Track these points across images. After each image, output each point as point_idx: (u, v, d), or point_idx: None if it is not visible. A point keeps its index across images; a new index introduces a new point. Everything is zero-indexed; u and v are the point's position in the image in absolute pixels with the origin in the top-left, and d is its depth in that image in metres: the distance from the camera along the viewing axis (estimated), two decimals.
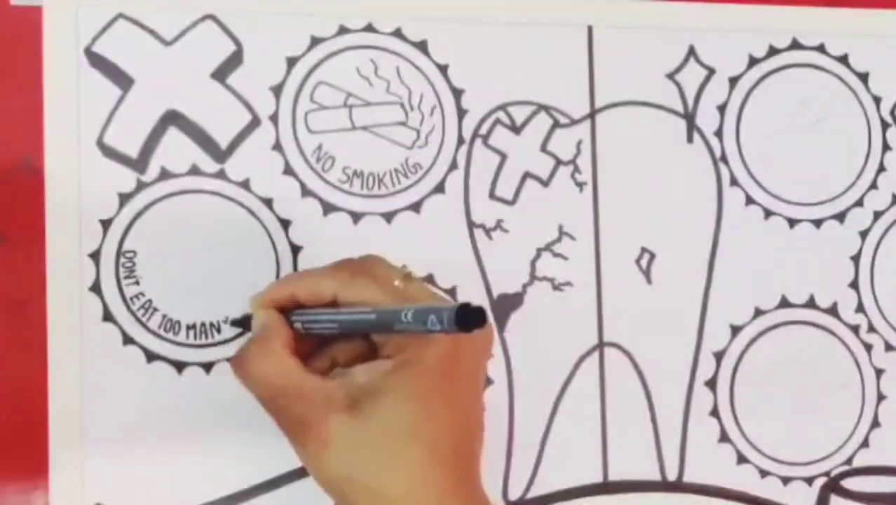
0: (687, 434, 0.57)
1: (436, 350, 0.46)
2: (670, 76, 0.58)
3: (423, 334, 0.46)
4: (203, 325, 0.52)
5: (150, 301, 0.52)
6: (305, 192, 0.54)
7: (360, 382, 0.46)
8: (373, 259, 0.50)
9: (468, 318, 0.41)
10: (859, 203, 0.60)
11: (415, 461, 0.46)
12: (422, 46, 0.56)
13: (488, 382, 0.56)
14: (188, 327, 0.52)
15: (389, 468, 0.46)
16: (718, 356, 0.58)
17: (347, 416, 0.46)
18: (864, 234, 0.60)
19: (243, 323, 0.51)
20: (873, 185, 0.61)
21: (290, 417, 0.48)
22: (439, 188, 0.56)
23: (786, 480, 0.58)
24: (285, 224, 0.53)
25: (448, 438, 0.47)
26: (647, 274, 0.57)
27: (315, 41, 0.55)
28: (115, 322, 0.51)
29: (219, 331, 0.52)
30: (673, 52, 0.58)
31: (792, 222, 0.59)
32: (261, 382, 0.48)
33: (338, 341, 0.50)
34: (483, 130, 0.56)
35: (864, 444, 0.59)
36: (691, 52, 0.59)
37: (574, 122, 0.57)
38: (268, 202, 0.53)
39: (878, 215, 0.60)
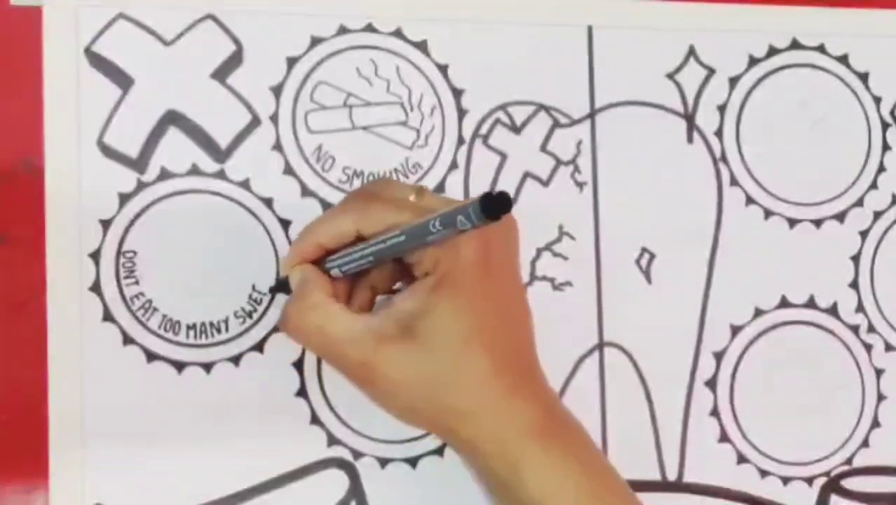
0: (687, 434, 0.57)
1: (468, 256, 0.47)
2: (670, 76, 0.58)
3: (453, 244, 0.46)
4: (203, 325, 0.52)
5: (150, 301, 0.52)
6: (305, 192, 0.54)
7: (407, 308, 0.47)
8: (380, 183, 0.51)
9: (494, 205, 0.41)
10: (859, 203, 0.60)
11: (477, 372, 0.47)
12: (422, 46, 0.56)
13: None
14: (188, 327, 0.52)
15: (455, 384, 0.47)
16: (718, 356, 0.58)
17: (403, 345, 0.47)
18: (864, 235, 0.60)
19: (281, 287, 0.52)
20: (873, 185, 0.61)
21: (349, 363, 0.48)
22: (439, 188, 0.56)
23: (786, 480, 0.58)
24: (285, 224, 0.54)
25: (503, 338, 0.48)
26: (647, 274, 0.57)
27: (315, 41, 0.55)
28: (115, 322, 0.51)
29: (219, 331, 0.52)
30: (673, 52, 0.58)
31: (792, 222, 0.59)
32: (311, 336, 0.49)
33: (373, 273, 0.50)
34: (483, 130, 0.56)
35: (864, 444, 0.59)
36: (691, 52, 0.59)
37: (574, 122, 0.57)
38: (268, 202, 0.53)
39: (878, 215, 0.60)
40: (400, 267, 0.50)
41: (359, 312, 0.49)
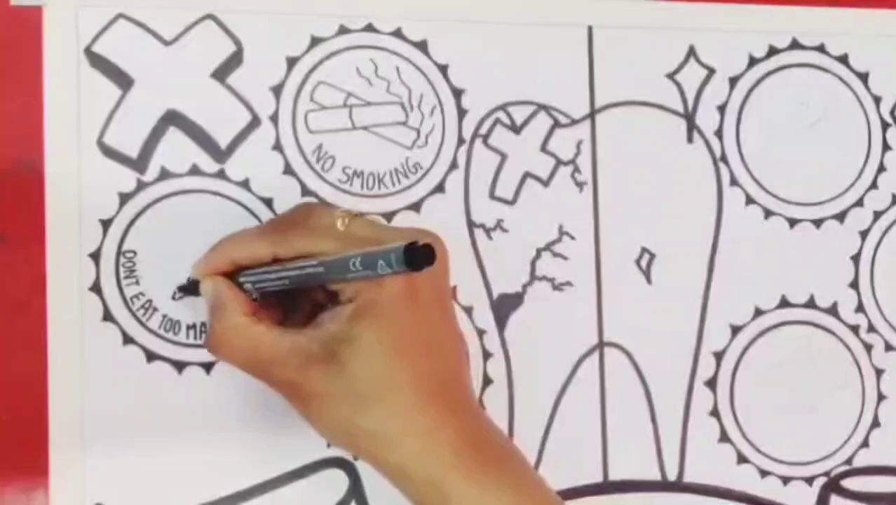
0: (687, 434, 0.57)
1: (392, 286, 0.46)
2: (670, 76, 0.58)
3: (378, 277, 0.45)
4: (203, 325, 0.52)
5: (150, 301, 0.52)
6: (305, 192, 0.54)
7: (332, 331, 0.47)
8: (305, 207, 0.50)
9: (416, 257, 0.41)
10: (859, 203, 0.60)
11: (403, 399, 0.47)
12: (422, 46, 0.56)
13: (488, 381, 0.56)
14: (188, 327, 0.52)
15: (377, 410, 0.46)
16: (718, 356, 0.58)
17: (327, 367, 0.46)
18: (864, 235, 0.60)
19: (190, 289, 0.51)
20: (873, 185, 0.61)
21: (276, 381, 0.48)
22: (439, 188, 0.56)
23: (786, 480, 0.58)
24: None
25: (426, 370, 0.47)
26: (647, 274, 0.57)
27: (315, 41, 0.55)
28: (115, 322, 0.51)
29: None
30: (673, 52, 0.58)
31: (792, 222, 0.59)
32: (238, 357, 0.48)
33: (294, 293, 0.49)
34: (483, 130, 0.56)
35: (864, 444, 0.59)
36: (691, 52, 0.59)
37: (574, 122, 0.57)
38: (268, 202, 0.53)
39: (878, 215, 0.60)
40: (324, 290, 0.49)
41: (286, 331, 0.48)
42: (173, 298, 0.52)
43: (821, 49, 0.60)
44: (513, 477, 0.48)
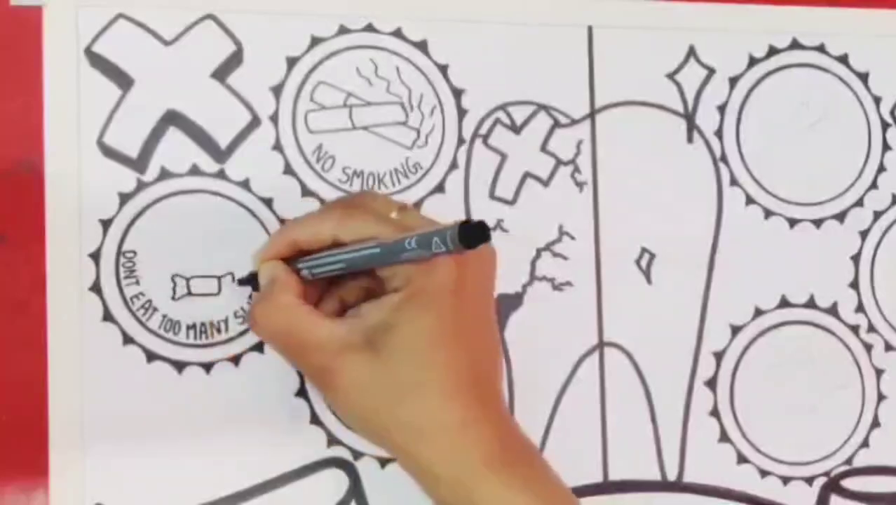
0: (687, 434, 0.57)
1: (442, 277, 0.47)
2: (670, 76, 0.58)
3: (429, 264, 0.46)
4: (203, 325, 0.52)
5: (150, 301, 0.52)
6: (305, 192, 0.54)
7: (373, 321, 0.47)
8: (367, 194, 0.51)
9: (471, 234, 0.41)
10: (859, 203, 0.60)
11: (435, 391, 0.47)
12: (422, 46, 0.56)
13: None
14: (188, 327, 0.52)
15: (412, 400, 0.47)
16: (718, 356, 0.58)
17: (365, 356, 0.47)
18: (864, 235, 0.60)
19: (250, 281, 0.51)
20: (873, 185, 0.61)
21: (310, 365, 0.48)
22: (439, 188, 0.56)
23: (786, 480, 0.58)
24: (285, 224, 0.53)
25: (464, 364, 0.47)
26: (647, 274, 0.57)
27: (315, 41, 0.55)
28: (115, 322, 0.51)
29: (219, 331, 0.52)
30: (673, 52, 0.58)
31: (792, 222, 0.59)
32: (276, 336, 0.49)
33: (345, 282, 0.50)
34: (483, 130, 0.56)
35: (864, 444, 0.59)
36: (691, 52, 0.59)
37: (574, 122, 0.57)
38: (268, 202, 0.53)
39: (878, 215, 0.60)
40: (374, 283, 0.50)
41: (327, 318, 0.48)
42: (237, 284, 0.52)
43: (821, 49, 0.60)
44: (540, 481, 0.48)
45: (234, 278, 0.53)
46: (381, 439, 0.49)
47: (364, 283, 0.50)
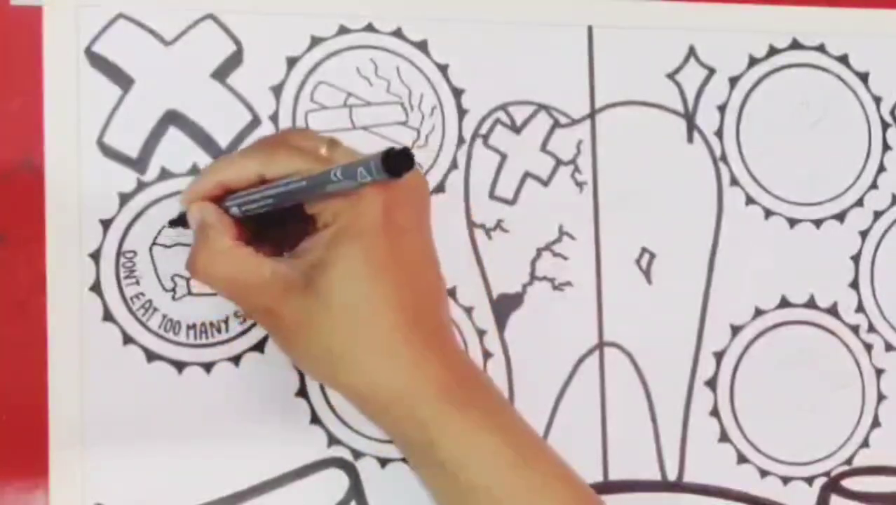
0: (687, 434, 0.57)
1: (369, 209, 0.46)
2: (670, 76, 0.58)
3: (355, 197, 0.46)
4: (203, 325, 0.52)
5: (150, 301, 0.52)
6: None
7: (310, 258, 0.46)
8: (293, 131, 0.50)
9: (396, 162, 0.41)
10: (859, 203, 0.60)
11: (379, 326, 0.46)
12: (422, 46, 0.56)
13: None
14: (188, 327, 0.52)
15: (358, 337, 0.46)
16: (718, 356, 0.58)
17: (306, 295, 0.46)
18: (864, 234, 0.60)
19: (180, 221, 0.51)
20: (873, 185, 0.61)
21: (256, 308, 0.48)
22: (439, 188, 0.56)
23: (786, 480, 0.58)
24: None
25: (405, 298, 0.46)
26: (647, 274, 0.57)
27: (315, 41, 0.55)
28: (115, 322, 0.51)
29: (219, 331, 0.52)
30: (673, 52, 0.58)
31: (792, 222, 0.59)
32: (219, 281, 0.48)
33: (278, 224, 0.50)
34: (483, 130, 0.56)
35: (864, 444, 0.59)
36: (691, 52, 0.59)
37: (574, 122, 0.57)
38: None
39: (878, 215, 0.60)
40: (306, 219, 0.49)
41: (267, 258, 0.48)
42: (168, 226, 0.52)
43: (821, 49, 0.60)
44: (497, 416, 0.48)
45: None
46: (334, 381, 0.48)
47: (296, 225, 0.49)
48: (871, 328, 0.60)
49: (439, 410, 0.46)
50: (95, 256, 0.51)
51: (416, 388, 0.46)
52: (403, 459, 0.54)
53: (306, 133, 0.50)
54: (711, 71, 0.59)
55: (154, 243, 0.52)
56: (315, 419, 0.53)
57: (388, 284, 0.46)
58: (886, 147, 0.61)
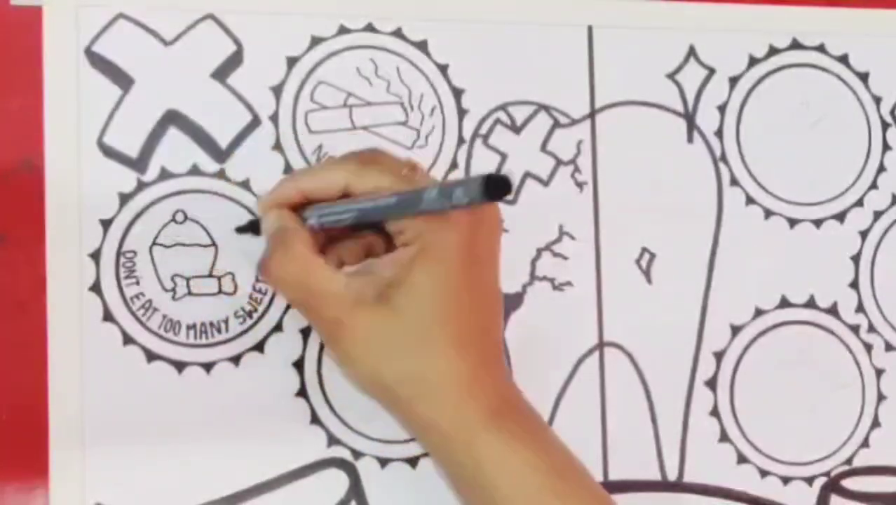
0: (687, 434, 0.57)
1: (455, 234, 0.47)
2: (670, 76, 0.58)
3: (441, 221, 0.47)
4: (203, 325, 0.52)
5: (150, 301, 0.52)
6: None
7: (386, 276, 0.47)
8: (378, 150, 0.51)
9: (495, 186, 0.42)
10: (859, 203, 0.60)
11: (445, 345, 0.47)
12: (422, 46, 0.56)
13: None
14: (188, 327, 0.52)
15: (422, 355, 0.47)
16: (718, 356, 0.58)
17: (378, 310, 0.47)
18: (864, 234, 0.60)
19: (251, 228, 0.51)
20: (873, 185, 0.61)
21: (322, 317, 0.48)
22: None
23: (786, 480, 0.58)
24: None
25: (472, 320, 0.48)
26: (647, 274, 0.57)
27: (315, 41, 0.55)
28: (115, 322, 0.51)
29: (219, 331, 0.52)
30: (673, 52, 0.58)
31: (792, 222, 0.59)
32: (290, 286, 0.49)
33: (343, 240, 0.51)
34: (483, 130, 0.56)
35: (864, 444, 0.59)
36: (691, 52, 0.59)
37: (574, 122, 0.57)
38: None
39: (878, 215, 0.60)
40: (377, 236, 0.50)
41: (340, 271, 0.49)
42: (236, 232, 0.52)
43: (821, 49, 0.60)
44: (539, 438, 0.49)
45: (234, 278, 0.52)
46: (386, 395, 0.49)
47: (365, 240, 0.51)
48: (871, 328, 0.60)
49: (485, 428, 0.47)
50: (95, 256, 0.51)
51: (465, 405, 0.47)
52: (404, 460, 0.54)
53: (387, 153, 0.51)
54: (711, 71, 0.59)
55: (154, 243, 0.52)
56: (315, 419, 0.53)
57: (459, 306, 0.48)
58: (886, 147, 0.61)
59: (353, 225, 0.49)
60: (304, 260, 0.48)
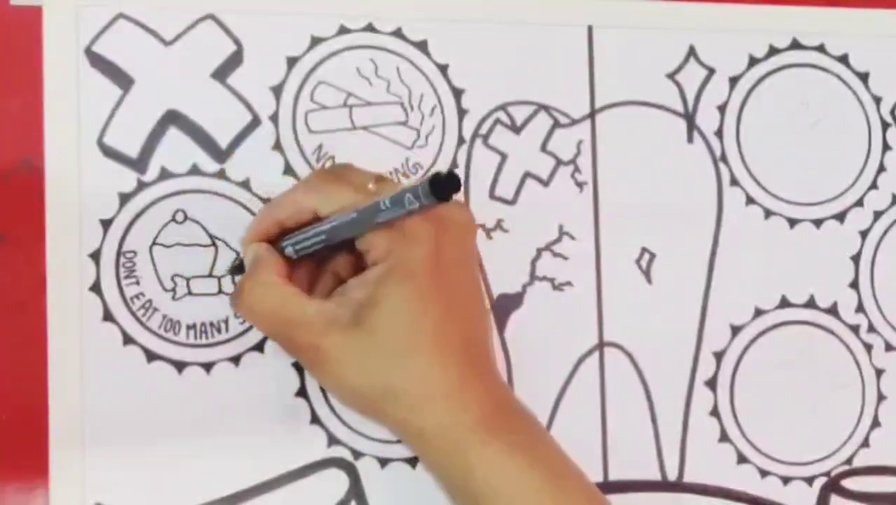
0: (687, 434, 0.57)
1: (420, 246, 0.47)
2: (670, 76, 0.58)
3: (406, 235, 0.47)
4: (203, 325, 0.52)
5: (150, 301, 0.52)
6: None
7: (357, 296, 0.47)
8: (343, 166, 0.51)
9: (443, 186, 0.42)
10: (859, 203, 0.60)
11: (426, 359, 0.47)
12: (422, 46, 0.56)
13: None
14: (188, 327, 0.52)
15: (403, 368, 0.47)
16: (718, 356, 0.58)
17: (352, 331, 0.47)
18: (864, 234, 0.60)
19: (242, 269, 0.52)
20: (873, 185, 0.61)
21: (297, 344, 0.49)
22: None
23: (786, 480, 0.58)
24: None
25: (452, 329, 0.48)
26: (647, 274, 0.57)
27: (315, 41, 0.55)
28: (115, 322, 0.51)
29: (219, 331, 0.52)
30: (673, 52, 0.58)
31: (792, 222, 0.59)
32: (262, 315, 0.49)
33: (336, 259, 0.51)
34: (483, 130, 0.56)
35: (864, 444, 0.59)
36: (691, 52, 0.59)
37: (574, 122, 0.57)
38: (268, 202, 0.53)
39: (878, 215, 0.60)
40: (356, 256, 0.50)
41: (312, 297, 0.49)
42: (229, 273, 0.52)
43: (821, 49, 0.60)
44: (535, 443, 0.49)
45: (233, 278, 0.53)
46: (374, 413, 0.49)
47: (349, 259, 0.51)
48: (871, 328, 0.60)
49: (476, 438, 0.47)
50: (95, 256, 0.51)
51: (454, 416, 0.47)
52: (403, 460, 0.54)
53: (353, 168, 0.51)
54: (711, 71, 0.59)
55: (154, 243, 0.52)
56: (315, 419, 0.53)
57: (435, 317, 0.47)
58: (886, 147, 0.61)
59: (328, 248, 0.49)
60: (273, 287, 0.48)
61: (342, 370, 0.48)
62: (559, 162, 0.57)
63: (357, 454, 0.53)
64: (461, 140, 0.56)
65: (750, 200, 0.59)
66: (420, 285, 0.47)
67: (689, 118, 0.59)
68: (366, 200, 0.47)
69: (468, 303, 0.50)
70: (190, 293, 0.52)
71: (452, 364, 0.48)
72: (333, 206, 0.48)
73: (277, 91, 0.54)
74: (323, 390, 0.53)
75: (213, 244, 0.53)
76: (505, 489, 0.47)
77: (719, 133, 0.59)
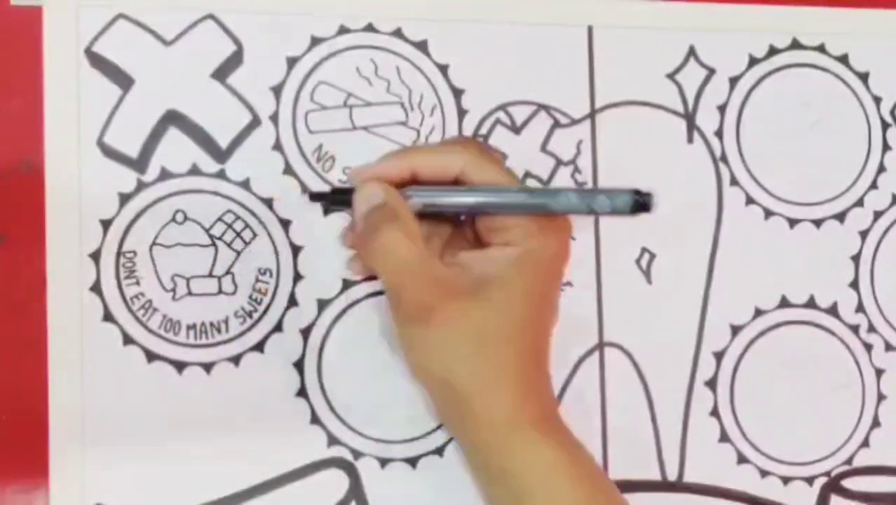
0: (687, 434, 0.57)
1: (556, 244, 0.49)
2: (670, 76, 0.58)
3: (546, 229, 0.48)
4: (203, 325, 0.52)
5: (150, 301, 0.52)
6: (305, 191, 0.54)
7: (483, 270, 0.48)
8: (476, 140, 0.52)
9: (642, 205, 0.45)
10: (859, 203, 0.60)
11: (518, 345, 0.48)
12: (422, 46, 0.56)
13: None
14: (188, 327, 0.52)
15: (495, 351, 0.47)
16: (718, 356, 0.58)
17: (468, 302, 0.47)
18: (864, 235, 0.60)
19: (325, 197, 0.51)
20: (873, 185, 0.61)
21: (411, 300, 0.48)
22: None
23: (786, 480, 0.58)
24: (285, 224, 0.53)
25: (542, 330, 0.50)
26: (647, 274, 0.57)
27: (315, 41, 0.55)
28: (115, 322, 0.51)
29: (219, 331, 0.52)
30: (673, 52, 0.58)
31: (792, 222, 0.59)
32: (394, 262, 0.48)
33: (440, 227, 0.51)
34: (483, 130, 0.56)
35: (865, 444, 0.59)
36: (691, 52, 0.59)
37: (574, 122, 0.57)
38: (268, 202, 0.53)
39: (878, 215, 0.60)
40: (461, 228, 0.51)
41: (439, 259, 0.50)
42: (309, 199, 0.52)
43: (821, 49, 0.60)
44: (572, 443, 0.49)
45: (233, 278, 0.52)
46: (443, 385, 0.48)
47: (455, 229, 0.52)
48: (871, 328, 0.60)
49: (528, 423, 0.48)
50: (95, 256, 0.51)
51: (518, 404, 0.48)
52: (404, 460, 0.54)
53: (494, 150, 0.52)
54: (711, 71, 0.59)
55: (154, 243, 0.52)
56: (315, 419, 0.53)
57: (539, 312, 0.49)
58: (886, 147, 0.61)
59: (431, 213, 0.50)
60: (410, 242, 0.48)
61: (442, 335, 0.47)
62: (559, 162, 0.57)
63: (357, 454, 0.53)
64: None
65: (750, 200, 0.59)
66: (545, 280, 0.49)
67: (689, 118, 0.58)
68: (513, 183, 0.49)
69: (554, 312, 0.51)
70: (190, 293, 0.52)
71: (531, 362, 0.49)
72: (483, 177, 0.49)
73: (277, 91, 0.54)
74: (323, 390, 0.53)
75: (213, 244, 0.53)
76: (546, 494, 0.47)
77: (719, 133, 0.59)
